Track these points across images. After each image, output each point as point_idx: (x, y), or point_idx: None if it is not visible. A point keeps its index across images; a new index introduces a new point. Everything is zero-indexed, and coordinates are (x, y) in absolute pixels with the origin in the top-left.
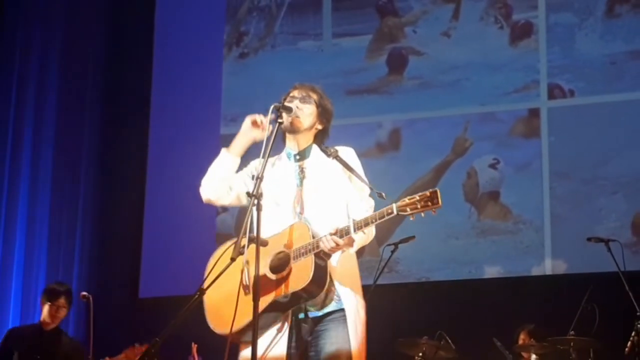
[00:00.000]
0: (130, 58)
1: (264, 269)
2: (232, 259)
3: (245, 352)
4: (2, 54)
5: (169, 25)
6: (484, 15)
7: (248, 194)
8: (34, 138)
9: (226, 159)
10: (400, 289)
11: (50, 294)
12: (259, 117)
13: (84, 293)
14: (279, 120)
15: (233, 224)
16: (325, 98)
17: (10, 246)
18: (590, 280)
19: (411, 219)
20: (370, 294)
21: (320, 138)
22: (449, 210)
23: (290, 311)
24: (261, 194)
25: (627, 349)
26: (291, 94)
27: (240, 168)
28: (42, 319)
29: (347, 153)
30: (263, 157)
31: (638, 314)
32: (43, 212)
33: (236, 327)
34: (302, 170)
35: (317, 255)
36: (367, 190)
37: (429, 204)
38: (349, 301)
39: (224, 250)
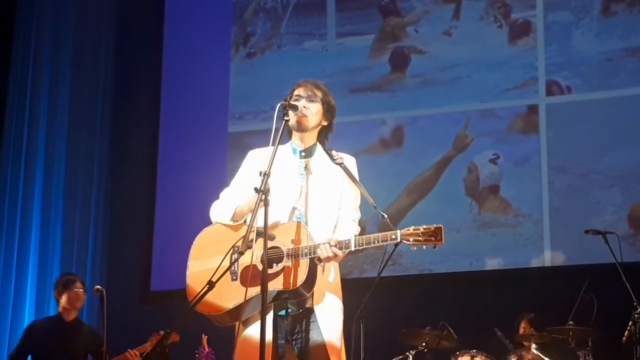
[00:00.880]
0: (140, 59)
1: (255, 260)
2: (241, 253)
3: (243, 334)
4: (15, 60)
5: (178, 26)
6: (484, 15)
7: (256, 189)
8: (47, 134)
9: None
10: (404, 281)
11: (66, 283)
12: None
13: (98, 287)
14: (285, 118)
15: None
16: (329, 94)
17: (25, 242)
18: (588, 272)
19: (412, 249)
20: (375, 286)
21: (325, 133)
22: (451, 204)
23: (272, 305)
24: (268, 190)
25: (624, 338)
26: (296, 92)
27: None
28: (61, 309)
29: (352, 162)
30: (271, 154)
31: (635, 304)
32: (57, 208)
33: (223, 309)
34: (307, 167)
35: (311, 259)
36: (358, 202)
37: (432, 239)
38: (320, 301)
39: (216, 238)
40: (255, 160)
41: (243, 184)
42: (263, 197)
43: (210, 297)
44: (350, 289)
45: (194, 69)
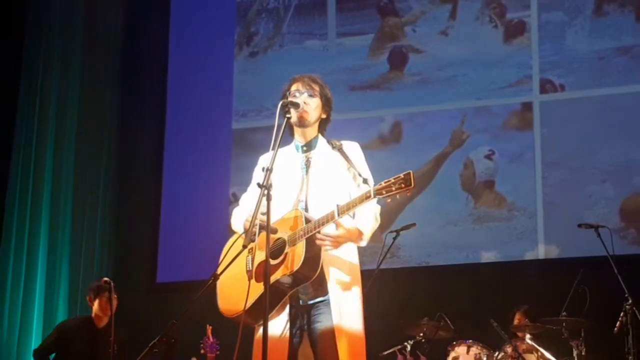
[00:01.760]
0: (147, 58)
1: (264, 255)
2: (244, 246)
3: (259, 334)
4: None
5: (184, 27)
6: (480, 15)
7: (258, 184)
8: (57, 130)
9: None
10: (402, 273)
11: (98, 290)
12: None
13: (105, 279)
14: (287, 116)
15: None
16: (325, 87)
17: (35, 238)
18: (581, 264)
19: (388, 200)
20: (374, 278)
21: (324, 126)
22: (447, 198)
23: (288, 298)
24: (271, 185)
25: (616, 329)
26: (294, 87)
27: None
28: (93, 315)
29: (352, 147)
30: (272, 150)
31: (626, 295)
32: (66, 204)
33: (240, 310)
34: (308, 161)
35: (309, 239)
36: (361, 180)
37: (403, 185)
38: (335, 290)
39: (236, 239)
40: (263, 163)
41: (253, 187)
42: (266, 192)
43: (230, 300)
44: None
45: (199, 68)
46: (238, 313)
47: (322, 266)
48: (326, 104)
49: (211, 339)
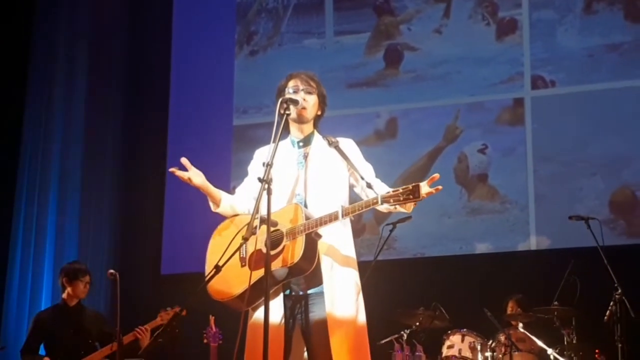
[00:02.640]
0: (150, 58)
1: (260, 245)
2: (245, 239)
3: (253, 318)
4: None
5: (186, 27)
6: (473, 14)
7: (259, 179)
8: (65, 125)
9: (219, 209)
10: (398, 264)
11: (75, 274)
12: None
13: (111, 271)
14: (287, 112)
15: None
16: (321, 84)
17: (42, 231)
18: (572, 255)
19: (393, 210)
20: (371, 269)
21: (318, 122)
22: (442, 192)
23: (281, 287)
24: (271, 179)
25: (606, 317)
26: (292, 84)
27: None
28: (65, 296)
29: (348, 144)
30: (271, 147)
31: (616, 285)
32: (74, 197)
33: (233, 295)
34: (305, 156)
35: (308, 235)
36: (364, 183)
37: (410, 197)
38: (329, 280)
39: (228, 229)
40: (260, 157)
41: (249, 180)
42: (266, 186)
43: (221, 284)
44: None
45: (200, 66)
46: (227, 297)
47: (318, 260)
48: (322, 101)
49: (214, 329)
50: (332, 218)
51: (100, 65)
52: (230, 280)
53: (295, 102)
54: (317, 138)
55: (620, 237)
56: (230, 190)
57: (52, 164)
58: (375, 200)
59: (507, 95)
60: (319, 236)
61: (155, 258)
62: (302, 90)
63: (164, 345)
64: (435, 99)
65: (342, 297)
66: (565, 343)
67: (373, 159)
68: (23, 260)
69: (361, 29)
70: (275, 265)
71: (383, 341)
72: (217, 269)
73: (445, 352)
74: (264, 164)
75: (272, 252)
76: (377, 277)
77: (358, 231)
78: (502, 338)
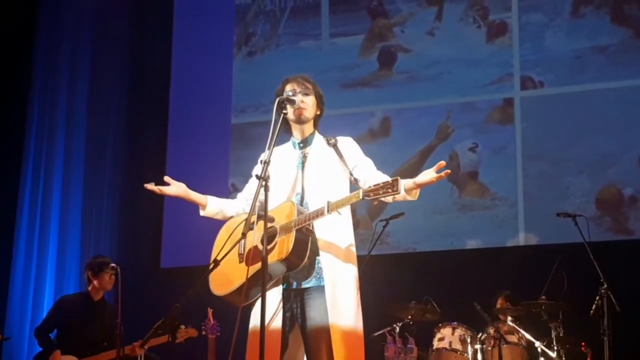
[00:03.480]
0: (152, 58)
1: (256, 241)
2: (243, 234)
3: (252, 311)
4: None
5: (186, 28)
6: (464, 16)
7: (257, 176)
8: (67, 123)
9: (205, 213)
10: (391, 259)
11: (100, 266)
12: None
13: (113, 264)
14: (284, 112)
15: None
16: (317, 85)
17: (46, 224)
18: (559, 251)
19: (374, 203)
20: (365, 263)
21: (318, 121)
22: (433, 188)
23: (279, 281)
24: (268, 177)
25: (592, 311)
26: (289, 88)
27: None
28: (91, 288)
29: (346, 142)
30: (269, 144)
31: (602, 280)
32: (76, 193)
33: (231, 289)
34: (304, 157)
35: (299, 230)
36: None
37: (389, 190)
38: (330, 278)
39: (233, 226)
40: (263, 157)
41: (251, 182)
42: (263, 183)
43: (221, 279)
44: None
45: (200, 67)
46: (225, 292)
47: (310, 254)
48: (320, 101)
49: (212, 321)
50: (318, 214)
51: (103, 65)
52: (229, 275)
53: (292, 102)
54: (317, 138)
55: (606, 234)
56: (228, 186)
57: (55, 159)
58: (357, 195)
59: (497, 95)
60: (310, 232)
61: (155, 252)
62: (300, 92)
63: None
64: (427, 99)
65: (343, 293)
66: (553, 336)
67: (367, 156)
68: (27, 252)
69: (356, 31)
70: (270, 260)
71: (376, 334)
72: (216, 263)
73: (436, 344)
74: (261, 161)
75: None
76: (370, 271)
77: (353, 226)
78: (491, 331)
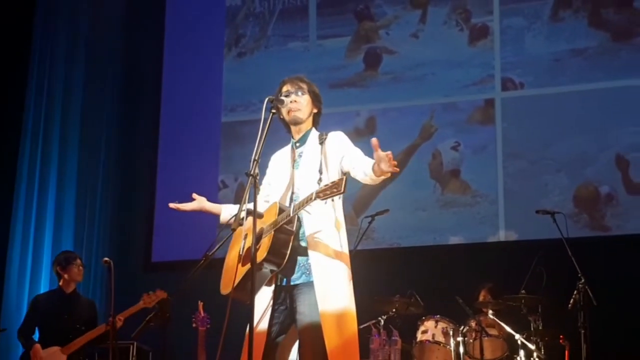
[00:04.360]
0: (145, 58)
1: (249, 242)
2: (233, 230)
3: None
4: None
5: (178, 29)
6: (447, 20)
7: (246, 173)
8: (62, 123)
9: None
10: (376, 254)
11: (67, 259)
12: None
13: (106, 259)
14: (272, 111)
15: (232, 198)
16: (312, 84)
17: (42, 218)
18: (538, 246)
19: (324, 204)
20: (351, 258)
21: (317, 120)
22: (417, 186)
23: (273, 278)
24: (257, 174)
25: (570, 305)
26: (284, 89)
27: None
28: (62, 283)
29: (334, 137)
30: (258, 143)
31: (579, 275)
32: (70, 189)
33: (229, 289)
34: (299, 156)
35: (278, 230)
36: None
37: (335, 190)
38: (319, 273)
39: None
40: (274, 161)
41: (266, 178)
42: (254, 181)
43: (225, 279)
44: None
45: (191, 67)
46: (226, 292)
47: (292, 252)
48: (315, 100)
49: (202, 314)
50: (286, 215)
51: (96, 66)
52: (232, 275)
53: (281, 102)
54: (312, 137)
55: (583, 230)
56: (218, 182)
57: (51, 157)
58: (311, 196)
59: (479, 96)
60: (290, 232)
61: (146, 246)
62: (293, 93)
63: (155, 328)
64: (411, 99)
65: (332, 282)
66: (532, 329)
67: None
68: (23, 244)
69: (342, 33)
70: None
71: (361, 326)
72: (206, 258)
73: (419, 336)
74: (253, 160)
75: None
76: (355, 266)
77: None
78: (472, 324)
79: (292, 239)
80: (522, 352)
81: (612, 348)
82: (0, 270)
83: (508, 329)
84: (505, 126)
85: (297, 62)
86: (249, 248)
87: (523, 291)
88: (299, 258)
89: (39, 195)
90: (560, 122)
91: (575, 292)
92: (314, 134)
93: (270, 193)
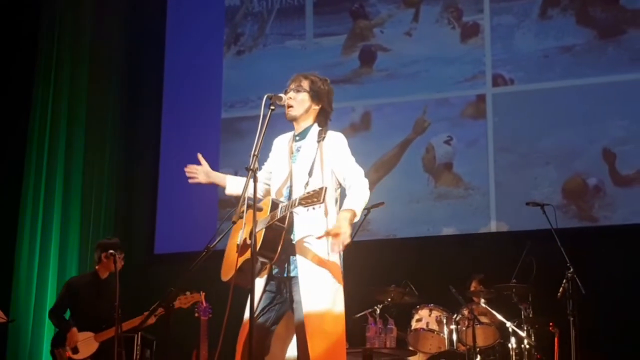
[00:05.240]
0: (146, 56)
1: (246, 235)
2: (233, 222)
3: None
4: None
5: (178, 28)
6: (439, 18)
7: (246, 168)
8: (68, 123)
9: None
10: (372, 245)
11: (109, 247)
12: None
13: (111, 251)
14: (271, 107)
15: None
16: (318, 82)
17: (49, 211)
18: (529, 237)
19: (306, 210)
20: (348, 250)
21: (323, 116)
22: (411, 179)
23: (266, 269)
24: (257, 168)
25: (559, 294)
26: (289, 86)
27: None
28: (98, 267)
29: (332, 139)
30: (257, 138)
31: (568, 264)
32: (76, 182)
33: (228, 277)
34: (297, 150)
35: (269, 227)
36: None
37: (315, 199)
38: (304, 270)
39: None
40: (276, 143)
41: (268, 163)
42: (253, 175)
43: (226, 267)
44: None
45: (192, 65)
46: (226, 279)
47: (284, 246)
48: (316, 97)
49: (204, 304)
50: (274, 216)
51: (101, 64)
52: (232, 264)
53: (278, 99)
54: (313, 133)
55: (572, 221)
56: None
57: (57, 152)
58: (294, 202)
59: (471, 91)
60: (281, 227)
61: (149, 238)
62: (292, 90)
63: (159, 318)
64: (405, 95)
65: (316, 283)
66: (523, 317)
67: (350, 149)
68: (31, 238)
69: (338, 32)
70: (248, 255)
71: (358, 315)
72: (208, 250)
73: (414, 325)
74: (253, 154)
75: (249, 242)
76: (352, 256)
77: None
78: (465, 312)
79: (283, 234)
80: (513, 339)
81: (599, 334)
82: (9, 263)
83: (499, 317)
84: (496, 121)
85: (295, 60)
86: (245, 239)
87: (514, 280)
88: (291, 255)
89: (46, 189)
90: (549, 116)
91: (564, 280)
92: (315, 129)
93: (271, 179)
